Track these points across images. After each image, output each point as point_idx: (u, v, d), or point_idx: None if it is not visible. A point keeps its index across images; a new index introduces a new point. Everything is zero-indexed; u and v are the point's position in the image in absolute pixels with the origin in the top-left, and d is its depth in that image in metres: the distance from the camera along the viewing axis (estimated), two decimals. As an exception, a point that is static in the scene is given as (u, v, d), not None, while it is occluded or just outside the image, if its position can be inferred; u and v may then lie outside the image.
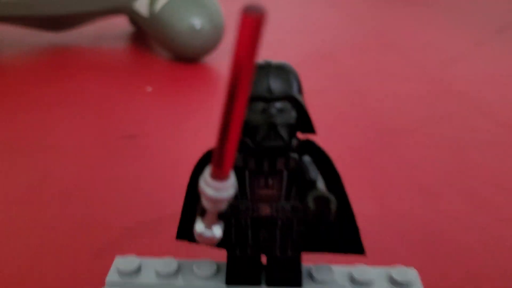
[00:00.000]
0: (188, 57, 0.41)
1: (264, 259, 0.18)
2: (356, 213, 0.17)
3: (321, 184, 0.15)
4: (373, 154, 0.28)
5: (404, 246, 0.20)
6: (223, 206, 0.14)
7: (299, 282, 0.17)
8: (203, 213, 0.15)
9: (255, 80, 0.14)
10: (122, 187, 0.24)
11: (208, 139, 0.16)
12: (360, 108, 0.34)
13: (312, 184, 0.15)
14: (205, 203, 0.14)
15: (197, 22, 0.39)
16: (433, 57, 0.45)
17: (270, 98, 0.14)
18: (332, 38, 0.52)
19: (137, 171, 0.26)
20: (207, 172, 0.14)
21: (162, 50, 0.45)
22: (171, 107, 0.34)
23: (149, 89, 0.37)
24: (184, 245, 0.19)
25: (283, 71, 0.15)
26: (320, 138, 0.16)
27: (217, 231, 0.15)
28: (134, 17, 0.43)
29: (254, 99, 0.14)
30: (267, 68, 0.15)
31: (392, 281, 0.17)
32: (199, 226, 0.15)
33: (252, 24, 0.11)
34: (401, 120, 0.32)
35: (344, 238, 0.17)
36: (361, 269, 0.18)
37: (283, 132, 0.14)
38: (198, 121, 0.32)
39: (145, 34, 0.49)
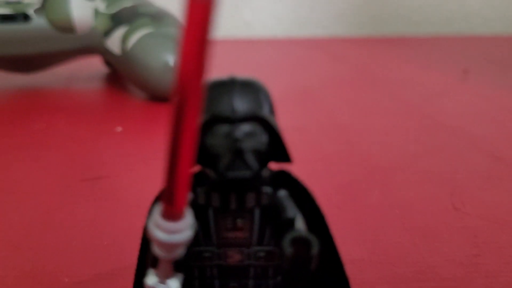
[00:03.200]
0: (163, 95, 0.39)
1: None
2: (344, 260, 0.14)
3: (300, 224, 0.13)
4: (361, 194, 0.25)
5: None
6: (179, 253, 0.11)
7: None
8: (155, 263, 0.12)
9: (216, 98, 0.12)
10: (79, 234, 0.21)
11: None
12: (345, 145, 0.32)
13: (290, 223, 0.13)
14: (156, 250, 0.11)
15: (171, 58, 0.37)
16: (417, 93, 0.44)
17: (234, 119, 0.12)
18: (314, 76, 0.50)
19: (97, 216, 0.23)
20: (156, 212, 0.11)
21: (136, 89, 0.42)
22: (141, 147, 0.31)
23: (118, 129, 0.34)
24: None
25: (251, 87, 0.12)
26: (301, 176, 0.13)
27: (173, 284, 0.12)
28: (106, 56, 0.41)
29: (215, 121, 0.12)
30: (231, 85, 0.12)
31: None
32: (151, 280, 0.12)
33: (200, 11, 0.08)
34: (389, 157, 0.30)
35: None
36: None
37: (251, 160, 0.12)
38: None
39: (119, 74, 0.47)
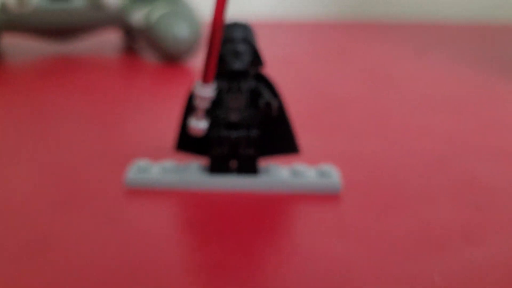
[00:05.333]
0: (174, 59, 0.51)
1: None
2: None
3: (267, 96, 0.24)
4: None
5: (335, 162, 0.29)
6: (208, 104, 0.23)
7: (255, 171, 0.26)
8: (195, 111, 0.24)
9: (228, 30, 0.24)
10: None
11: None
12: (324, 103, 0.43)
13: (262, 96, 0.24)
14: (196, 102, 0.23)
15: (183, 31, 0.49)
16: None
17: (235, 40, 0.24)
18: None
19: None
20: (198, 83, 0.23)
21: (152, 54, 0.54)
22: (157, 96, 0.43)
23: (143, 83, 0.46)
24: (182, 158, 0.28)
25: (245, 25, 0.24)
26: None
27: (204, 124, 0.24)
28: (129, 29, 0.53)
29: (226, 41, 0.24)
30: (235, 25, 0.24)
31: (319, 173, 0.26)
32: (192, 121, 0.24)
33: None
34: (357, 106, 0.42)
35: (284, 140, 0.26)
36: (298, 165, 0.27)
37: (244, 59, 0.24)
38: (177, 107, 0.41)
39: (136, 45, 0.59)
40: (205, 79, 0.23)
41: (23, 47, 0.58)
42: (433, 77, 0.50)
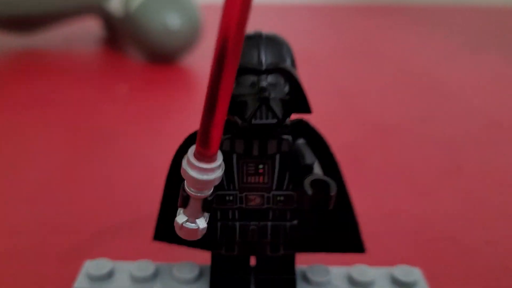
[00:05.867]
0: (163, 56, 0.39)
1: (253, 261, 0.16)
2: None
3: (317, 169, 0.13)
4: (365, 153, 0.26)
5: (404, 245, 0.19)
6: (208, 192, 0.12)
7: (293, 285, 0.15)
8: (185, 202, 0.13)
9: (244, 51, 0.13)
10: (94, 188, 0.22)
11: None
12: (347, 108, 0.33)
13: (309, 169, 0.13)
14: (188, 189, 0.12)
15: (173, 21, 0.37)
16: (419, 60, 0.44)
17: (260, 71, 0.13)
18: (317, 43, 0.51)
19: (110, 172, 0.24)
20: (191, 152, 0.12)
21: (137, 51, 0.43)
22: (146, 108, 0.32)
23: (123, 90, 0.35)
24: (163, 247, 0.17)
25: (275, 42, 0.13)
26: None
27: (201, 222, 0.13)
28: (106, 18, 0.42)
29: (243, 71, 0.13)
30: (258, 39, 0.13)
31: (395, 281, 0.16)
32: (181, 218, 0.13)
33: None
34: (392, 120, 0.31)
35: (342, 235, 0.15)
36: (361, 269, 0.16)
37: (276, 108, 0.13)
38: (174, 122, 0.30)
39: (119, 37, 0.48)
40: (206, 148, 0.11)
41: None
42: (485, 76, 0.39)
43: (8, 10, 0.39)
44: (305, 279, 0.16)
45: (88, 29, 0.51)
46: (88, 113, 0.31)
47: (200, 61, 0.41)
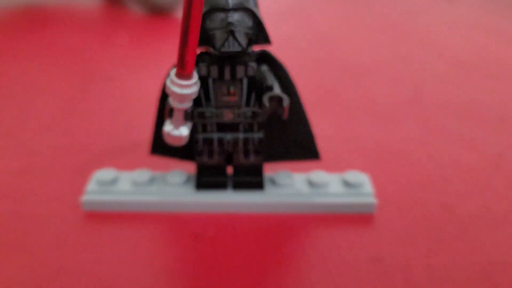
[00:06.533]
0: (160, 10, 0.42)
1: (230, 170, 0.20)
2: (316, 133, 0.19)
3: (277, 89, 0.17)
4: (338, 90, 0.30)
5: (357, 157, 0.22)
6: (189, 104, 0.16)
7: (261, 185, 0.19)
8: (171, 114, 0.16)
9: (212, -8, 0.16)
10: (100, 119, 0.26)
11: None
12: (327, 53, 0.36)
13: (269, 89, 0.17)
14: (172, 102, 0.16)
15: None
16: (398, 10, 0.47)
17: (228, 9, 0.16)
18: None
19: (113, 106, 0.27)
20: (172, 73, 0.15)
21: (135, 5, 0.45)
22: (142, 56, 0.35)
23: (124, 39, 0.38)
24: (158, 160, 0.21)
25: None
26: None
27: (184, 130, 0.17)
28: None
29: (214, 10, 0.16)
30: (224, -19, 0.16)
31: (346, 183, 0.19)
32: (168, 127, 0.16)
33: None
34: (367, 63, 0.34)
35: (301, 145, 0.19)
36: (318, 174, 0.19)
37: (241, 38, 0.16)
38: (168, 64, 0.33)
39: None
40: (183, 69, 0.15)
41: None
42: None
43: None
44: (273, 182, 0.19)
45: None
46: (91, 59, 0.34)
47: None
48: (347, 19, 0.44)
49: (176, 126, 0.16)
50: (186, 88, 0.15)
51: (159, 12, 0.43)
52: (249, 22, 0.16)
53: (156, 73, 0.32)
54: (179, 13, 0.44)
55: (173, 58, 0.32)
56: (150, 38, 0.39)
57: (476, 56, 0.35)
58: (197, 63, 0.17)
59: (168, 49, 0.36)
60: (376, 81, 0.31)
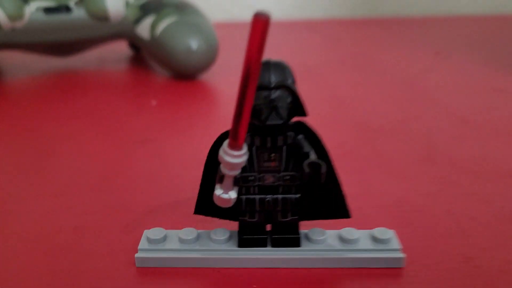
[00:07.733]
0: (186, 74, 0.45)
1: (269, 227, 0.21)
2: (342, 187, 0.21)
3: (313, 155, 0.19)
4: (355, 148, 0.32)
5: (382, 214, 0.24)
6: (238, 171, 0.18)
7: (298, 243, 0.21)
8: (221, 179, 0.19)
9: (259, 73, 0.19)
10: (141, 180, 0.28)
11: (210, 142, 0.20)
12: (343, 113, 0.38)
13: (306, 156, 0.19)
14: (223, 169, 0.18)
15: (194, 43, 0.43)
16: (404, 70, 0.50)
17: (271, 88, 0.18)
18: (314, 56, 0.56)
19: (151, 168, 0.29)
20: (225, 144, 0.18)
21: (162, 69, 0.49)
22: (174, 117, 0.38)
23: (153, 103, 0.41)
24: (202, 219, 0.23)
25: (280, 67, 0.19)
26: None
27: (233, 194, 0.19)
28: (136, 41, 0.48)
29: (258, 88, 0.18)
30: (268, 65, 0.19)
31: (374, 238, 0.21)
32: (218, 191, 0.19)
33: (261, 25, 0.15)
34: (379, 121, 0.36)
35: (333, 205, 0.21)
36: (348, 231, 0.21)
37: (282, 113, 0.18)
38: (197, 127, 0.36)
39: (144, 56, 0.54)
40: (236, 140, 0.17)
41: (22, 63, 0.53)
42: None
43: (51, 37, 0.46)
44: (307, 238, 0.21)
45: (118, 50, 0.57)
46: (125, 122, 0.37)
47: (217, 76, 0.47)
48: (358, 79, 0.47)
49: (226, 190, 0.19)
50: (238, 158, 0.17)
51: (183, 77, 0.46)
52: (288, 98, 0.19)
53: (188, 133, 0.34)
54: (203, 77, 0.47)
55: (200, 119, 0.35)
56: (179, 100, 0.42)
57: (481, 113, 0.38)
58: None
59: (196, 111, 0.39)
60: (392, 140, 0.33)
